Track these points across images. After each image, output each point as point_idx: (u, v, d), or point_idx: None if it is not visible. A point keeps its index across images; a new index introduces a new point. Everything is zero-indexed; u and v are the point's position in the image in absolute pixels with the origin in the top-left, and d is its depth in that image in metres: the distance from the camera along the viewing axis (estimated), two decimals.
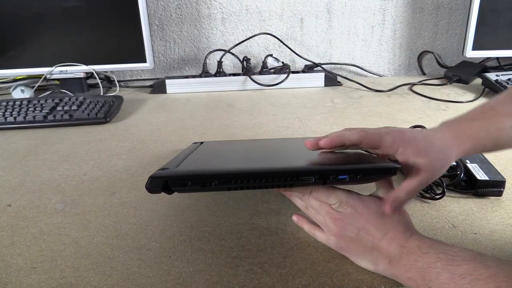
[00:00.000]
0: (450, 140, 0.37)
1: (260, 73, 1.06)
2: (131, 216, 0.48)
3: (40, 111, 0.83)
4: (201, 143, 0.58)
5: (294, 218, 0.42)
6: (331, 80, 1.05)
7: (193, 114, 0.85)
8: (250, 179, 0.34)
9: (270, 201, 0.50)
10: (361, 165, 0.36)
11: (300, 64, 1.15)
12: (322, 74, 1.05)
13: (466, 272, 0.28)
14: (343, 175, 0.35)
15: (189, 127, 0.77)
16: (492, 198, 0.49)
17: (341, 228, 0.36)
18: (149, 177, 0.34)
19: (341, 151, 0.41)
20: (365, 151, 0.40)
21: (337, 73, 1.11)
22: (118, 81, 1.07)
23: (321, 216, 0.38)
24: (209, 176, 0.34)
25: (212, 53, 1.07)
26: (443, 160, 0.37)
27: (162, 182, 0.34)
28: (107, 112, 0.84)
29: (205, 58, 1.04)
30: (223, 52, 1.05)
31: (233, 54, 1.08)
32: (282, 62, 1.07)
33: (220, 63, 1.04)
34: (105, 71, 1.07)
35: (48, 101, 0.88)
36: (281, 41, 1.11)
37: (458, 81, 1.03)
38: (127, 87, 1.11)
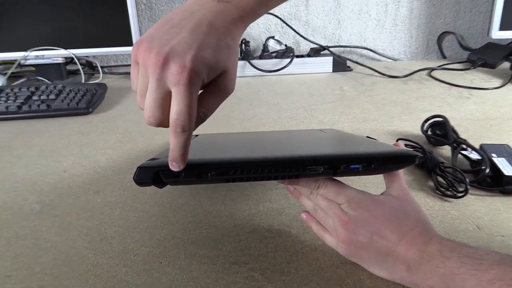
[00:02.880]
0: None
1: (261, 57, 1.06)
2: (117, 217, 0.48)
3: (14, 101, 0.83)
4: (196, 136, 0.58)
5: (303, 215, 0.42)
6: (340, 65, 1.05)
7: None
8: (251, 169, 0.34)
9: (273, 200, 0.50)
10: (375, 152, 0.36)
11: (305, 47, 1.15)
12: (330, 58, 1.05)
13: (495, 277, 0.28)
14: (355, 164, 0.34)
15: None
16: None
17: (351, 233, 0.36)
18: (138, 168, 0.34)
19: (350, 137, 0.41)
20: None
21: (347, 57, 1.10)
22: (101, 67, 1.07)
23: (330, 218, 0.38)
24: (205, 166, 0.34)
25: None
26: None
27: (152, 173, 0.34)
28: (89, 101, 0.84)
29: None
30: None
31: None
32: (285, 45, 1.07)
33: None
34: (87, 56, 1.06)
35: (22, 89, 0.87)
36: (283, 21, 1.10)
37: (483, 65, 1.02)
38: (112, 73, 1.11)
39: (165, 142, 0.67)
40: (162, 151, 0.42)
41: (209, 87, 0.36)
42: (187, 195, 0.52)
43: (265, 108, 0.81)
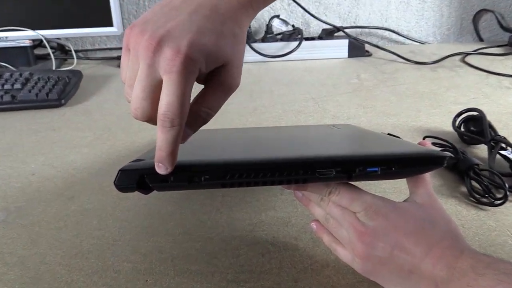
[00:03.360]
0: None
1: (263, 40, 1.06)
2: (95, 228, 0.48)
3: None
4: None
5: (313, 225, 0.42)
6: (357, 49, 1.05)
7: None
8: (251, 172, 0.34)
9: (277, 207, 0.50)
10: (397, 153, 0.36)
11: (316, 28, 1.14)
12: (346, 41, 1.05)
13: None
14: (373, 166, 0.34)
15: None
16: None
17: (368, 246, 0.36)
18: (119, 171, 0.34)
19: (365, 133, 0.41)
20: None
21: (365, 39, 1.10)
22: (75, 51, 1.07)
23: (344, 229, 0.38)
24: (198, 168, 0.34)
25: None
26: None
27: (137, 177, 0.34)
28: (62, 92, 0.84)
29: None
30: None
31: None
32: (292, 26, 1.07)
33: None
34: (58, 38, 1.06)
35: None
36: None
37: None
38: (88, 58, 1.11)
39: (151, 140, 0.67)
40: (148, 151, 0.43)
41: (210, 82, 0.36)
42: (177, 201, 0.52)
43: (268, 100, 0.81)
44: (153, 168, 0.34)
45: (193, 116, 0.35)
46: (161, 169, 0.33)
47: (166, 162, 0.33)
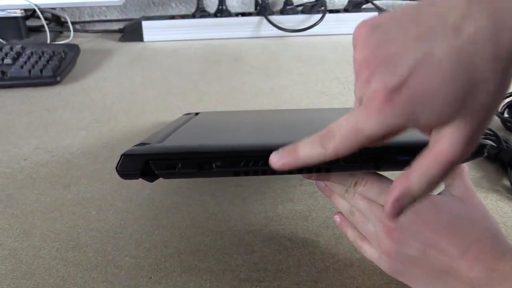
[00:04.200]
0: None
1: (282, 12, 1.05)
2: (94, 219, 0.48)
3: None
4: (196, 114, 0.58)
5: (336, 218, 0.42)
6: None
7: (182, 73, 0.84)
8: (267, 159, 0.34)
9: (296, 199, 0.50)
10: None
11: None
12: (375, 15, 1.04)
13: None
14: (404, 155, 0.34)
15: (178, 92, 0.77)
16: None
17: (398, 244, 0.36)
18: (122, 155, 0.35)
19: None
20: None
21: None
22: (72, 22, 1.07)
23: (371, 224, 0.38)
24: (209, 154, 0.34)
25: None
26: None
27: (141, 162, 0.34)
28: (57, 68, 0.84)
29: None
30: None
31: None
32: None
33: None
34: (53, 8, 1.06)
35: None
36: None
37: None
38: (86, 31, 1.11)
39: (155, 123, 0.67)
40: (153, 134, 0.43)
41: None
42: (185, 191, 0.52)
43: (287, 79, 0.80)
44: (159, 153, 0.34)
45: None
46: (276, 157, 0.33)
47: (288, 159, 0.33)
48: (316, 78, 0.80)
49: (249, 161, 0.34)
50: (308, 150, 0.32)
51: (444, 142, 0.27)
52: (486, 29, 0.25)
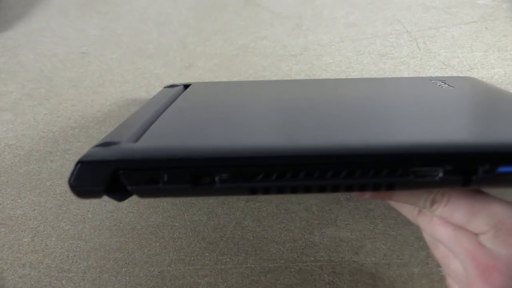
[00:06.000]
0: None
1: None
2: (26, 249, 0.46)
3: None
4: (185, 87, 0.56)
5: None
6: None
7: (164, 23, 0.83)
8: (300, 170, 0.32)
9: (340, 222, 0.47)
10: None
11: None
12: None
13: None
14: (508, 164, 0.32)
15: (156, 53, 0.76)
16: None
17: None
18: (78, 162, 0.32)
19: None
20: None
21: None
22: None
23: (457, 261, 0.37)
24: (210, 160, 0.32)
25: None
26: None
27: (107, 173, 0.32)
28: None
29: None
30: None
31: None
32: None
33: None
34: None
35: None
36: None
37: None
38: None
39: (121, 101, 0.65)
40: (122, 124, 0.40)
41: None
42: (169, 208, 0.51)
43: (328, 33, 0.77)
44: (134, 158, 0.32)
45: None
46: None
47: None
48: (373, 31, 0.77)
49: (271, 172, 0.32)
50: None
51: None
52: None
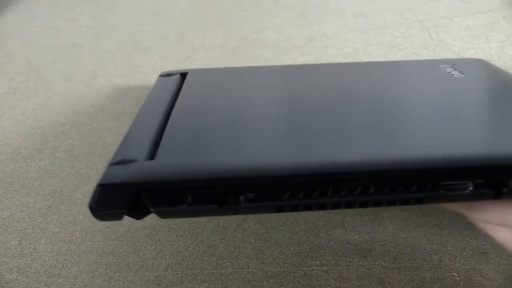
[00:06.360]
0: None
1: None
2: (14, 253, 0.44)
3: None
4: (182, 76, 0.54)
5: None
6: None
7: (160, 13, 0.83)
8: (324, 187, 0.32)
9: (347, 221, 0.47)
10: None
11: None
12: None
13: None
14: None
15: (152, 45, 0.75)
16: None
17: None
18: (99, 185, 0.32)
19: None
20: None
21: None
22: None
23: None
24: (236, 180, 0.32)
25: None
26: None
27: (130, 195, 0.32)
28: None
29: None
30: None
31: None
32: None
33: None
34: None
35: None
36: None
37: None
38: None
39: (114, 94, 0.63)
40: (131, 134, 0.39)
41: None
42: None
43: (336, 24, 0.77)
44: (157, 180, 0.32)
45: None
46: None
47: None
48: (383, 21, 0.77)
49: (298, 190, 0.32)
50: None
51: None
52: None
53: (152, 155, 0.35)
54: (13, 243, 0.45)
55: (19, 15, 0.83)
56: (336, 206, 0.32)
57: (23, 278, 0.42)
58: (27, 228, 0.46)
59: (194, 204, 0.31)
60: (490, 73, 0.51)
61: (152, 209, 0.32)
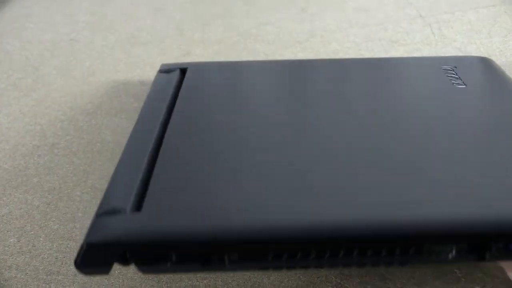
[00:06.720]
0: None
1: None
2: (13, 251, 0.44)
3: None
4: (182, 72, 0.54)
5: None
6: None
7: (159, 7, 0.82)
8: (305, 250, 0.32)
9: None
10: None
11: None
12: None
13: None
14: None
15: (150, 40, 0.74)
16: None
17: None
18: (85, 244, 0.32)
19: None
20: None
21: None
22: None
23: None
24: (221, 242, 0.32)
25: None
26: None
27: (116, 254, 0.32)
28: None
29: None
30: None
31: None
32: None
33: None
34: None
35: None
36: None
37: None
38: None
39: (112, 90, 0.62)
40: (121, 170, 0.39)
41: None
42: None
43: (337, 19, 0.76)
44: (142, 241, 0.32)
45: None
46: None
47: None
48: (385, 16, 0.76)
49: (281, 252, 0.32)
50: None
51: None
52: None
53: (139, 205, 0.35)
54: (11, 240, 0.45)
55: (16, 11, 0.83)
56: (319, 266, 0.32)
57: (22, 276, 0.42)
58: (25, 226, 0.46)
59: (178, 263, 0.32)
60: (493, 84, 0.50)
61: (135, 266, 0.32)
